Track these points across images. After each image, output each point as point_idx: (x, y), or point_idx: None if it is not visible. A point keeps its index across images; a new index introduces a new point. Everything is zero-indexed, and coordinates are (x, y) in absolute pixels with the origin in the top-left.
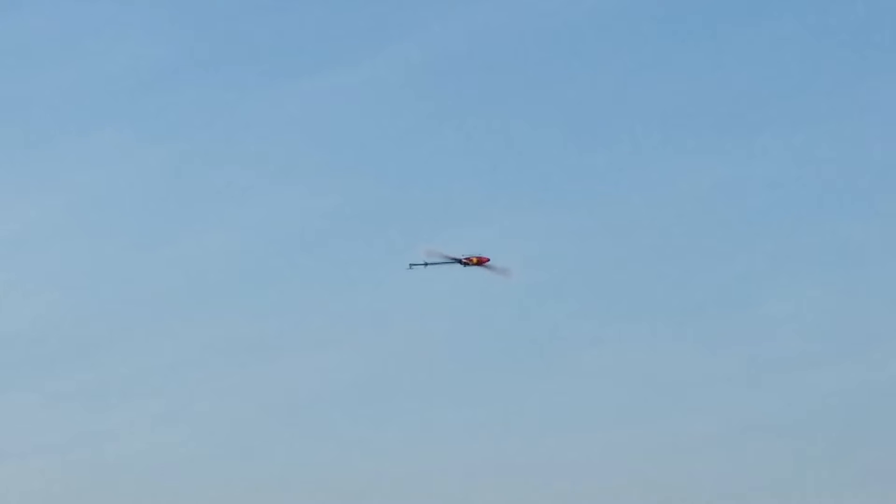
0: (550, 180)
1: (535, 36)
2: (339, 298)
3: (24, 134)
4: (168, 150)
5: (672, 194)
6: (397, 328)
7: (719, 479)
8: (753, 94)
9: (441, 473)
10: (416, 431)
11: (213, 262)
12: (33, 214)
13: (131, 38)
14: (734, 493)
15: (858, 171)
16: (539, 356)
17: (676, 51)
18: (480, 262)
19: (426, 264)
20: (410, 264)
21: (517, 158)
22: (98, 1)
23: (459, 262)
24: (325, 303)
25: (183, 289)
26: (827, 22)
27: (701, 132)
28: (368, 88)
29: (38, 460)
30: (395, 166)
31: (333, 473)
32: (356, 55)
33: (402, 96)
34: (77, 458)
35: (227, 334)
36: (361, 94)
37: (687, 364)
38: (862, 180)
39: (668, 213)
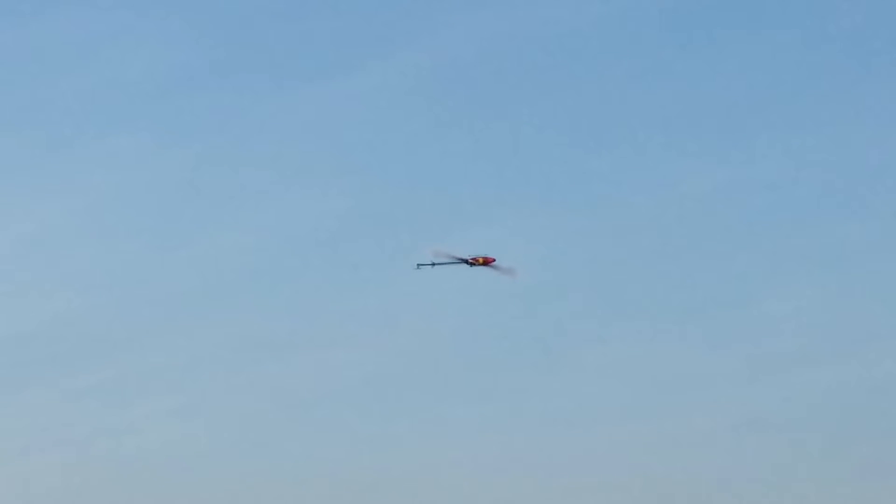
0: (555, 183)
1: (541, 42)
2: (350, 298)
3: (45, 137)
4: (184, 153)
5: (674, 196)
6: (406, 327)
7: (720, 474)
8: (753, 99)
9: (449, 468)
10: (424, 428)
11: (227, 263)
12: (53, 216)
13: (148, 45)
14: (734, 489)
15: (855, 173)
16: (543, 354)
17: (678, 57)
18: (487, 262)
19: (433, 264)
20: (418, 264)
21: (523, 161)
22: (116, 10)
23: (466, 262)
24: (335, 302)
25: (198, 288)
26: (825, 28)
27: (702, 136)
28: (378, 93)
29: (58, 455)
30: (404, 169)
31: (344, 468)
32: (367, 61)
33: (411, 100)
34: (95, 453)
35: (241, 333)
36: (372, 99)
37: (688, 362)
38: (859, 183)
39: (669, 215)
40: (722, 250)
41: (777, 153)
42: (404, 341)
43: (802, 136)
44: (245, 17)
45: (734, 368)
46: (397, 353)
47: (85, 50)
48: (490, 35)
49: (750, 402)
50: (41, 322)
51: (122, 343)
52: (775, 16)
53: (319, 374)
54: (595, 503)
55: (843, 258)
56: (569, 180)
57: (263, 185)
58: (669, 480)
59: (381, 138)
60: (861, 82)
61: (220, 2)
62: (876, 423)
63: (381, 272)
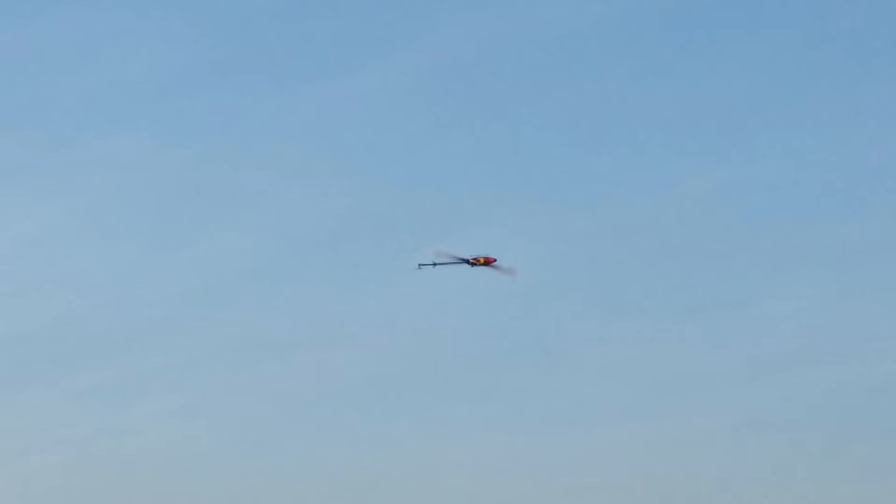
0: (556, 183)
1: (541, 42)
2: (350, 298)
3: (45, 137)
4: (184, 153)
5: (674, 196)
6: (406, 327)
7: (720, 474)
8: (752, 99)
9: (449, 468)
10: (424, 428)
11: (228, 263)
12: (53, 216)
13: (148, 45)
14: (734, 489)
15: (855, 173)
16: (544, 354)
17: (678, 57)
18: (487, 262)
19: (434, 264)
20: (419, 264)
21: (523, 161)
22: (116, 10)
23: (467, 262)
24: (336, 302)
25: (199, 288)
26: (825, 28)
27: (702, 136)
28: (379, 93)
29: (58, 455)
30: (404, 169)
31: (344, 468)
32: (367, 61)
33: (411, 100)
34: (95, 453)
35: (242, 332)
36: (372, 99)
37: (688, 362)
38: (858, 183)
39: (669, 215)
40: (722, 250)
41: (777, 153)
42: (404, 341)
43: (802, 136)
44: (245, 17)
45: (734, 368)
46: (397, 353)
47: (85, 50)
48: (490, 35)
49: (750, 402)
50: (41, 322)
51: (122, 343)
52: (775, 16)
53: (319, 374)
54: (595, 503)
55: (843, 258)
56: (569, 180)
57: (263, 185)
58: (669, 480)
59: (381, 138)
60: (861, 82)
61: (220, 2)
62: (876, 423)
63: (381, 272)
